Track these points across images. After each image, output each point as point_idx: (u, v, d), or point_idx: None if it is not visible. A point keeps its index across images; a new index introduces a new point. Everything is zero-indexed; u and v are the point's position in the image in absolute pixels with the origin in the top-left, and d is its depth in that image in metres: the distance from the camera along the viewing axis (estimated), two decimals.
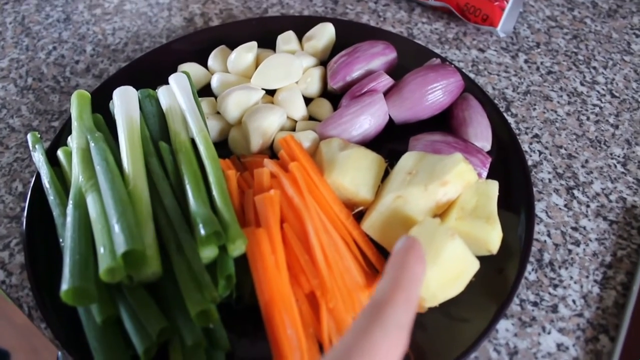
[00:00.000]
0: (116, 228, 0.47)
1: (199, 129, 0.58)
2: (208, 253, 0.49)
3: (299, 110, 0.66)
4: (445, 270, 0.49)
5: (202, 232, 0.48)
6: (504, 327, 0.55)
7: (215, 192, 0.53)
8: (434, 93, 0.63)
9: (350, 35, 0.74)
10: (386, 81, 0.65)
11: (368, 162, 0.57)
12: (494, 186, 0.55)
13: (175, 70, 0.71)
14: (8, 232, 0.63)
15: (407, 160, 0.56)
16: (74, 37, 0.84)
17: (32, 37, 0.84)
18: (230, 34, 0.76)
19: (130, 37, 0.84)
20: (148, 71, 0.72)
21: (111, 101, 0.65)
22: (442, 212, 0.55)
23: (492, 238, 0.52)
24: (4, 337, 1.24)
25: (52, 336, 0.56)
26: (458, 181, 0.53)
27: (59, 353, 0.66)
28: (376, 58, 0.67)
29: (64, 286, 0.45)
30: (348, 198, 0.56)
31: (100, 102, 0.65)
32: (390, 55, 0.68)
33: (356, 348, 0.28)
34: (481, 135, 0.62)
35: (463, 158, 0.53)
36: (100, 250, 0.47)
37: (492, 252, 0.53)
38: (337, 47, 0.73)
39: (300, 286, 0.50)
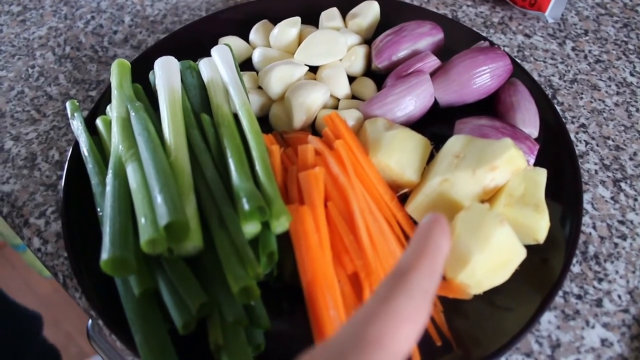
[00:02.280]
0: (159, 199, 0.46)
1: (242, 102, 0.57)
2: (251, 228, 0.48)
3: (343, 88, 0.65)
4: (493, 257, 0.48)
5: (246, 206, 0.47)
6: (547, 319, 0.53)
7: (258, 167, 0.51)
8: (481, 76, 0.61)
9: (395, 14, 0.73)
10: (433, 62, 0.63)
11: (414, 143, 0.56)
12: (542, 174, 0.53)
13: (215, 44, 0.70)
14: (44, 200, 0.62)
15: (454, 143, 0.55)
16: (112, 7, 0.83)
17: (70, 6, 0.83)
18: (272, 9, 0.75)
19: (169, 9, 0.82)
20: (187, 44, 0.71)
21: (151, 72, 0.64)
22: (488, 198, 0.53)
23: (540, 227, 0.51)
24: (29, 306, 1.25)
25: (87, 305, 0.55)
26: (507, 167, 0.51)
27: (89, 323, 0.66)
28: (423, 38, 0.66)
29: (104, 255, 0.44)
30: (393, 179, 0.55)
31: (139, 73, 0.64)
32: (437, 36, 0.66)
33: (379, 312, 0.27)
34: (529, 121, 0.61)
35: (513, 143, 0.52)
36: (142, 220, 0.46)
37: (538, 241, 0.52)
38: (381, 26, 0.72)
39: (343, 267, 0.49)
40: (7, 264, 1.76)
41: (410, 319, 0.27)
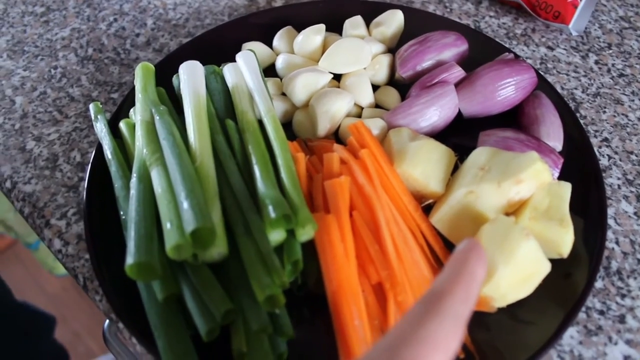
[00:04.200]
0: (185, 204, 0.46)
1: (267, 109, 0.57)
2: (276, 236, 0.48)
3: (367, 97, 0.64)
4: (518, 271, 0.47)
5: (272, 214, 0.47)
6: (569, 334, 0.53)
7: (283, 175, 0.51)
8: (506, 88, 0.61)
9: (418, 24, 0.72)
10: (458, 73, 0.63)
11: (439, 154, 0.56)
12: (567, 188, 0.53)
13: (237, 49, 0.70)
14: (65, 201, 0.62)
15: (479, 155, 0.54)
16: (135, 9, 0.83)
17: (93, 8, 0.84)
18: (296, 15, 0.75)
19: (191, 12, 0.83)
20: (211, 48, 0.71)
21: (175, 75, 0.64)
22: (512, 211, 0.53)
23: (565, 241, 0.50)
24: (37, 305, 1.26)
25: (108, 308, 0.55)
26: (533, 180, 0.51)
27: (106, 324, 0.65)
28: (447, 49, 0.65)
29: (129, 260, 0.44)
30: (417, 190, 0.55)
31: (162, 77, 0.64)
32: (462, 46, 0.66)
33: (412, 335, 0.27)
34: (553, 135, 0.60)
35: (539, 157, 0.51)
36: (167, 226, 0.46)
37: (562, 255, 0.51)
38: (404, 35, 0.71)
39: (367, 277, 0.49)
40: (18, 261, 1.76)
41: (443, 346, 0.27)
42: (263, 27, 0.74)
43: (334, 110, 0.60)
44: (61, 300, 1.66)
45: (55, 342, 1.25)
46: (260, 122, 0.57)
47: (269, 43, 0.72)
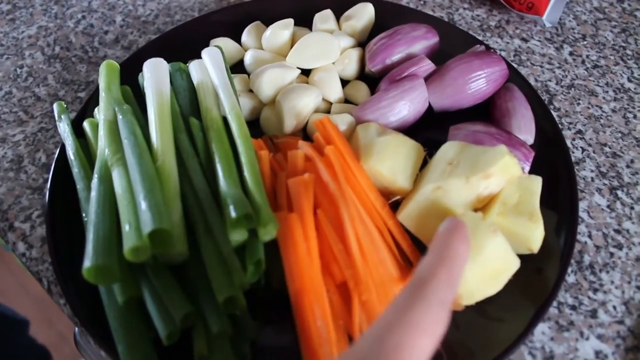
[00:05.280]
0: (143, 205, 0.45)
1: (231, 106, 0.56)
2: (237, 236, 0.47)
3: (335, 92, 0.63)
4: (486, 267, 0.47)
5: (233, 213, 0.45)
6: (540, 330, 0.52)
7: (246, 173, 0.50)
8: (477, 81, 0.60)
9: (390, 17, 0.71)
10: (428, 66, 0.62)
11: (407, 149, 0.55)
12: (537, 182, 0.52)
13: (206, 45, 0.69)
14: (30, 203, 0.61)
15: (448, 149, 0.53)
16: (103, 6, 0.82)
17: (61, 5, 0.82)
18: (265, 10, 0.74)
19: (161, 9, 0.81)
20: (179, 45, 0.69)
21: (140, 74, 0.63)
22: (482, 206, 0.52)
23: (535, 236, 0.50)
24: (21, 306, 1.24)
25: (71, 313, 0.54)
26: (502, 175, 0.50)
27: (76, 329, 0.64)
28: (417, 42, 0.64)
29: (87, 263, 0.43)
30: (384, 186, 0.54)
31: (129, 74, 0.63)
32: (432, 39, 0.65)
33: (398, 322, 0.28)
34: (525, 127, 0.60)
35: (508, 151, 0.50)
36: (126, 227, 0.45)
37: (533, 251, 0.51)
38: (376, 28, 0.70)
39: (332, 276, 0.48)
40: (2, 263, 1.74)
41: (428, 330, 0.28)
42: (233, 23, 0.72)
43: (301, 106, 0.59)
44: (45, 301, 1.65)
45: (34, 342, 1.23)
46: (226, 120, 0.56)
47: (238, 38, 0.71)
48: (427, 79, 0.62)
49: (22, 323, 1.21)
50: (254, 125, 0.63)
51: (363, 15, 0.69)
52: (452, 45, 0.67)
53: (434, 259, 0.31)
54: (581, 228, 0.59)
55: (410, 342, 0.27)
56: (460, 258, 0.31)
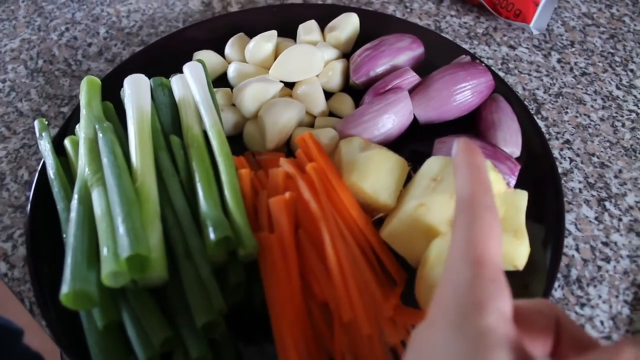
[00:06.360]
0: (121, 229, 0.44)
1: (212, 122, 0.55)
2: (217, 258, 0.46)
3: (319, 105, 0.63)
4: None
5: (212, 236, 0.45)
6: None
7: (227, 193, 0.50)
8: (462, 93, 0.60)
9: (375, 26, 0.71)
10: (412, 78, 0.61)
11: (390, 165, 0.54)
12: (523, 197, 0.51)
13: (191, 57, 0.68)
14: (12, 222, 0.60)
15: (431, 165, 0.53)
16: (87, 18, 0.81)
17: (44, 17, 0.81)
18: (250, 21, 0.73)
19: (145, 20, 0.80)
20: (162, 57, 0.68)
21: (122, 89, 0.62)
22: None
23: (520, 254, 0.49)
24: (15, 315, 1.23)
25: (52, 335, 0.53)
26: None
27: None
28: (402, 53, 0.64)
29: (64, 289, 0.43)
30: (367, 203, 0.53)
31: (111, 89, 0.62)
32: (417, 50, 0.64)
33: (468, 239, 0.31)
34: (510, 140, 0.59)
35: (492, 166, 0.50)
36: (104, 251, 0.44)
37: (518, 267, 0.50)
38: (361, 39, 0.70)
39: (314, 297, 0.47)
40: None
41: (493, 233, 0.31)
42: (217, 34, 0.71)
43: (284, 121, 0.58)
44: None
45: (28, 350, 1.23)
46: (207, 136, 0.55)
47: (221, 51, 0.70)
48: (412, 91, 0.61)
49: (17, 332, 1.21)
50: (237, 141, 0.62)
51: (347, 25, 0.68)
52: (438, 55, 0.66)
53: (463, 178, 0.34)
54: (568, 241, 0.58)
55: (485, 248, 0.30)
56: (482, 165, 0.34)
